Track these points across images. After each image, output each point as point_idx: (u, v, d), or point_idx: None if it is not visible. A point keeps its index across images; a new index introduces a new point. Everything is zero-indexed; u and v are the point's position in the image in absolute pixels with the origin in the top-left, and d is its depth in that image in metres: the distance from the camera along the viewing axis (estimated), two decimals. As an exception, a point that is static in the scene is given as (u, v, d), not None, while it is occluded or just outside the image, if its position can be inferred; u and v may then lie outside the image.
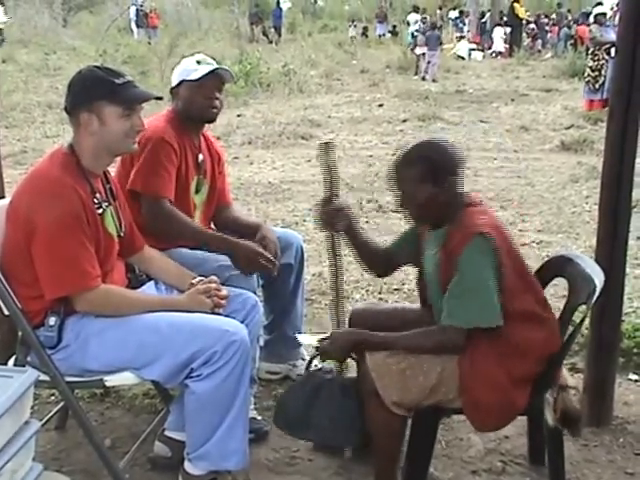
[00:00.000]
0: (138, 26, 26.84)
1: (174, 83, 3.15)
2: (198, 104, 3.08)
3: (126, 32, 26.76)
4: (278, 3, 31.99)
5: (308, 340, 2.70)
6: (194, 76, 3.07)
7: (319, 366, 2.81)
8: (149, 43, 22.77)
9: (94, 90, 2.44)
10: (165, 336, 2.41)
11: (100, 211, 2.51)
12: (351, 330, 2.60)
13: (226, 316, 2.60)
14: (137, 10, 26.76)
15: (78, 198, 2.40)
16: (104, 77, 2.45)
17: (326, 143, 2.64)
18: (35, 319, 2.44)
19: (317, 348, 2.55)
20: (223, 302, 2.63)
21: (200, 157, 3.18)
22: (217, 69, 3.10)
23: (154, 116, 3.14)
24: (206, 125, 3.23)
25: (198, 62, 3.12)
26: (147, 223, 2.91)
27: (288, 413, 2.62)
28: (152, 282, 2.82)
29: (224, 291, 2.65)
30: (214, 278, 2.69)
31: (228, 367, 2.42)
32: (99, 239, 2.49)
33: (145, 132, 2.72)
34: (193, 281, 2.68)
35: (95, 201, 2.49)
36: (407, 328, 2.44)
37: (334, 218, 2.65)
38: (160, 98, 2.63)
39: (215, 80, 3.10)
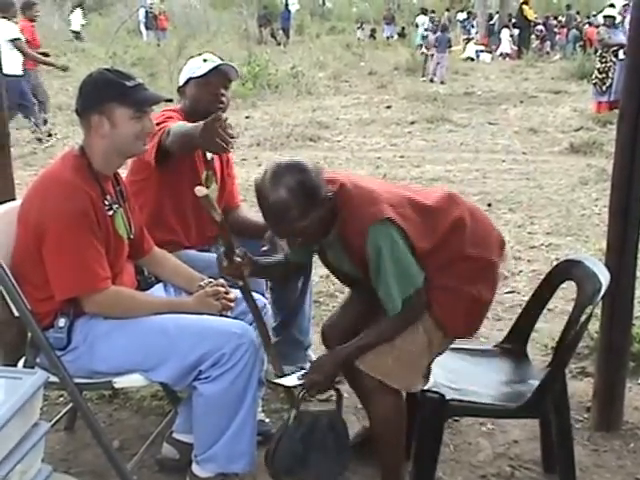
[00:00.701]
0: (147, 28, 26.91)
1: (181, 82, 3.19)
2: (204, 100, 3.09)
3: (135, 34, 26.82)
4: (286, 5, 32.01)
5: (290, 381, 2.58)
6: (199, 72, 3.10)
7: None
8: (158, 45, 22.78)
9: (105, 92, 2.44)
10: (173, 338, 2.42)
11: (110, 213, 2.52)
12: (329, 353, 2.59)
13: (234, 318, 2.61)
14: (146, 12, 26.83)
15: (89, 200, 2.41)
16: (115, 79, 2.46)
17: (205, 196, 2.42)
18: (44, 320, 2.44)
19: (302, 384, 2.51)
20: (231, 304, 2.63)
21: (209, 154, 3.19)
22: (221, 65, 3.12)
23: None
24: None
25: (204, 60, 3.15)
26: (173, 149, 2.85)
27: (284, 462, 2.54)
28: (161, 284, 2.82)
29: (232, 293, 2.65)
30: (222, 281, 2.69)
31: (236, 369, 2.42)
32: (109, 241, 2.49)
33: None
34: (201, 283, 2.68)
35: (105, 203, 2.50)
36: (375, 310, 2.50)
37: (239, 269, 2.60)
38: (170, 100, 2.63)
39: (220, 76, 3.12)
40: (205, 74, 3.08)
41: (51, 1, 27.19)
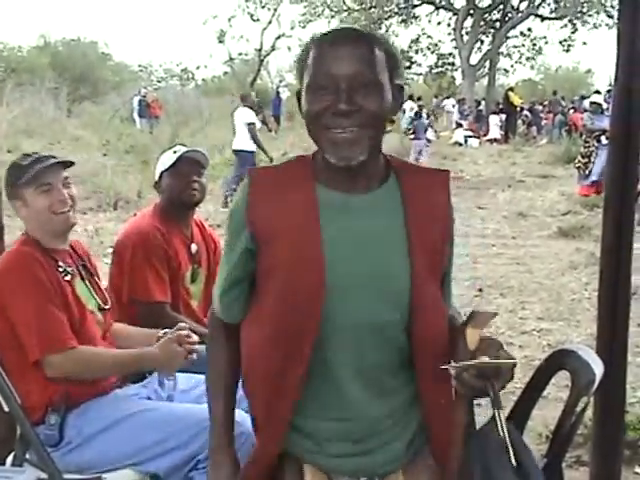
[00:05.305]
0: (140, 116, 27.32)
1: (156, 178, 3.26)
2: (177, 188, 3.16)
3: (129, 122, 27.22)
4: (277, 92, 32.67)
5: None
6: (169, 163, 3.17)
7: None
8: (151, 132, 23.12)
9: (10, 179, 2.55)
10: (170, 430, 2.39)
11: (68, 278, 2.53)
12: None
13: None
14: (140, 101, 27.29)
15: (40, 266, 2.43)
16: (13, 164, 2.57)
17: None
18: (34, 415, 2.42)
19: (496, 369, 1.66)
20: (195, 347, 2.60)
21: (193, 247, 3.22)
22: (187, 152, 3.20)
23: (141, 213, 3.23)
24: (196, 213, 3.33)
25: (174, 152, 3.23)
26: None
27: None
28: (155, 376, 2.78)
29: (194, 336, 2.64)
30: (183, 325, 2.69)
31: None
32: (71, 308, 2.49)
33: (130, 234, 2.94)
34: (159, 334, 2.67)
35: (59, 269, 2.51)
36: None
37: None
38: (72, 163, 2.63)
39: (190, 163, 3.20)
40: (174, 163, 3.16)
41: (46, 90, 27.63)
